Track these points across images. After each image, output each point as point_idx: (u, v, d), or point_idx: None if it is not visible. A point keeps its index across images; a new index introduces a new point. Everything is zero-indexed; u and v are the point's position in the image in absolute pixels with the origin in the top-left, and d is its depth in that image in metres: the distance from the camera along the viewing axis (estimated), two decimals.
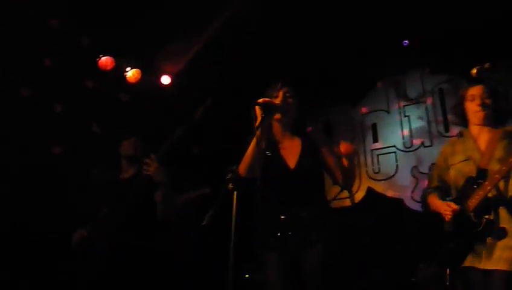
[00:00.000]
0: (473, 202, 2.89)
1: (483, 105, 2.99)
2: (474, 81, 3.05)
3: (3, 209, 4.39)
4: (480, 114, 3.02)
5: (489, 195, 2.85)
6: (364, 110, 6.64)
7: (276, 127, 3.07)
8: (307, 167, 2.93)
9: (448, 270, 3.00)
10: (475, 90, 3.05)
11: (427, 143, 6.12)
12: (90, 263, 3.58)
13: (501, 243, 2.77)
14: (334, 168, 2.98)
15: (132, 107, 5.83)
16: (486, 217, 2.83)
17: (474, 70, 2.78)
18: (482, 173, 2.92)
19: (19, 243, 4.41)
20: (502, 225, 2.80)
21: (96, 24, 5.27)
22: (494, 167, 2.87)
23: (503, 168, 2.76)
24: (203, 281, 5.57)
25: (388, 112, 6.48)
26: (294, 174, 2.92)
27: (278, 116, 2.97)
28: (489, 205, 2.85)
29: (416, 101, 6.31)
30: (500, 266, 2.70)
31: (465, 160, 3.02)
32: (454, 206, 2.97)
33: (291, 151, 2.99)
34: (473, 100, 3.04)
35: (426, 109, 6.22)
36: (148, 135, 3.98)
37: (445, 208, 3.00)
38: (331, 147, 3.04)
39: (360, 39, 5.84)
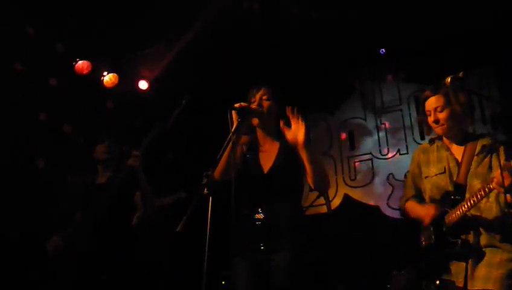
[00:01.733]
0: (450, 219, 2.81)
1: (436, 121, 2.93)
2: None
3: None
4: (438, 130, 2.97)
5: (468, 214, 2.75)
6: (340, 118, 6.69)
7: (259, 133, 3.04)
8: (280, 171, 2.88)
9: (437, 281, 2.92)
10: (429, 104, 2.98)
11: (403, 150, 6.18)
12: (64, 268, 3.52)
13: (485, 261, 2.68)
14: (307, 172, 2.86)
15: (107, 111, 5.76)
16: (463, 237, 2.75)
17: (448, 79, 2.75)
18: (459, 189, 2.84)
19: None
20: (483, 243, 2.72)
21: (74, 28, 5.21)
22: (472, 182, 2.81)
23: (485, 189, 2.62)
24: (178, 287, 5.52)
25: (365, 119, 6.54)
26: (266, 178, 2.88)
27: (255, 121, 2.93)
28: (467, 224, 2.76)
29: (393, 109, 6.38)
30: (491, 286, 2.61)
31: (441, 173, 2.94)
32: (433, 208, 2.89)
33: (268, 155, 2.95)
34: (430, 115, 2.98)
35: (402, 116, 6.29)
36: (121, 138, 3.93)
37: (426, 212, 2.93)
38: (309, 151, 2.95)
39: (338, 47, 5.88)
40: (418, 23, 5.45)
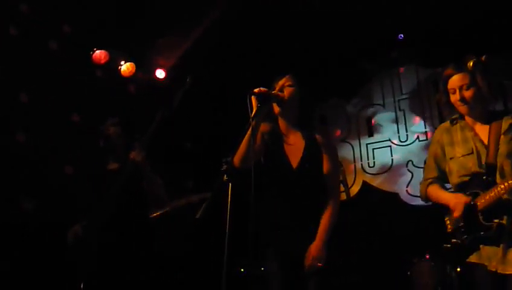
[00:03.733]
0: (483, 202, 2.69)
1: (462, 100, 2.81)
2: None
3: None
4: (463, 109, 2.86)
5: (504, 197, 2.62)
6: (359, 104, 6.65)
7: (281, 122, 3.00)
8: (309, 170, 2.88)
9: (458, 268, 2.84)
10: (454, 82, 2.85)
11: (422, 137, 6.11)
12: (83, 257, 3.55)
13: None
14: (327, 176, 2.92)
15: (115, 95, 5.76)
16: (497, 221, 2.63)
17: (471, 63, 2.70)
18: (490, 170, 2.72)
19: (8, 237, 4.36)
20: None
21: (92, 18, 5.23)
22: (503, 162, 2.72)
23: None
24: (198, 275, 5.56)
25: (383, 106, 6.47)
26: (296, 174, 2.86)
27: (277, 109, 2.91)
28: (502, 208, 2.64)
29: (411, 95, 6.31)
30: None
31: (468, 154, 2.81)
32: (465, 198, 2.75)
33: (295, 149, 2.92)
34: (454, 94, 2.86)
35: (421, 102, 6.21)
36: (128, 123, 3.91)
37: (456, 201, 2.78)
38: (332, 152, 3.00)
39: (356, 33, 5.83)
40: (437, 7, 5.37)
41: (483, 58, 2.68)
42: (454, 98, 2.86)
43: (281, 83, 2.90)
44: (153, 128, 3.57)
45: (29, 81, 4.85)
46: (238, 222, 2.53)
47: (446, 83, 2.91)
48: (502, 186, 2.62)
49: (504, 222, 2.63)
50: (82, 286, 3.43)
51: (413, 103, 6.28)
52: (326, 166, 2.92)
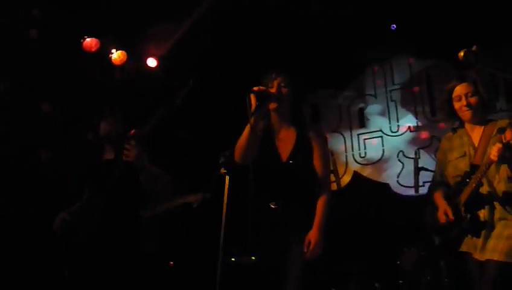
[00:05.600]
0: (463, 196, 2.98)
1: (469, 105, 3.06)
2: (461, 66, 3.03)
3: None
4: (468, 113, 3.09)
5: (483, 191, 2.94)
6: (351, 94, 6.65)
7: (274, 118, 3.07)
8: (298, 161, 2.95)
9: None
10: (460, 90, 3.11)
11: (413, 128, 6.14)
12: (73, 248, 3.53)
13: (495, 233, 2.84)
14: (318, 169, 2.98)
15: (112, 87, 5.74)
16: (476, 212, 2.93)
17: (462, 54, 2.78)
18: (474, 169, 2.97)
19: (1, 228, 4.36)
20: (497, 217, 2.88)
21: (82, 5, 5.17)
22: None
23: (485, 164, 2.83)
24: (191, 267, 5.57)
25: (375, 96, 6.49)
26: (285, 166, 2.94)
27: (273, 105, 2.96)
28: (480, 200, 2.93)
29: (403, 86, 6.32)
30: (496, 256, 2.77)
31: (461, 156, 3.10)
32: (450, 216, 3.01)
33: (285, 142, 3.00)
34: (459, 100, 3.11)
35: (413, 93, 6.23)
36: (126, 115, 3.90)
37: (442, 213, 3.06)
38: (322, 146, 3.05)
39: (348, 23, 5.81)
40: None
41: (474, 48, 2.75)
42: (460, 104, 3.11)
43: (275, 83, 2.96)
44: (152, 125, 3.54)
45: (17, 70, 4.81)
46: (231, 213, 2.57)
47: (451, 92, 3.17)
48: (474, 179, 2.91)
49: (484, 213, 2.92)
50: (66, 274, 3.43)
51: (405, 94, 6.30)
52: (317, 159, 2.98)
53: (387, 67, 6.47)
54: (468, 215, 2.94)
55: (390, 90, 6.39)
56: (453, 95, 3.15)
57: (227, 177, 2.57)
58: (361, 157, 6.42)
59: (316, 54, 6.29)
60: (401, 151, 6.13)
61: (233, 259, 5.22)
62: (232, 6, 5.33)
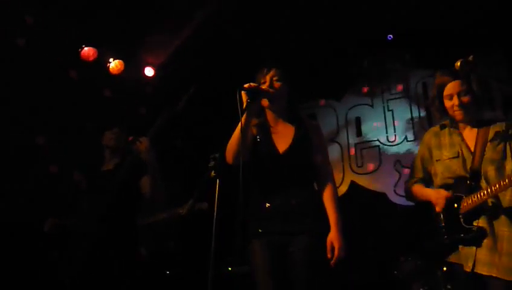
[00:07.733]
0: (465, 206, 2.80)
1: (461, 105, 2.89)
2: (457, 76, 2.95)
3: None
4: (460, 113, 2.91)
5: (488, 202, 2.74)
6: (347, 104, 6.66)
7: (269, 114, 2.96)
8: (298, 153, 2.83)
9: (444, 268, 2.92)
10: (452, 88, 2.92)
11: (410, 137, 6.15)
12: (70, 254, 3.53)
13: (506, 250, 2.66)
14: (319, 163, 2.89)
15: (115, 97, 5.76)
16: (476, 223, 2.75)
17: (458, 63, 2.74)
18: (474, 175, 2.82)
19: None
20: (501, 230, 2.71)
21: (79, 14, 5.18)
22: (486, 168, 2.80)
23: (504, 183, 2.61)
24: (185, 273, 5.54)
25: (372, 106, 6.50)
26: (283, 158, 2.82)
27: (266, 102, 2.86)
28: (482, 211, 2.75)
29: (400, 96, 6.34)
30: (501, 275, 2.62)
31: (454, 157, 2.91)
32: (446, 193, 2.86)
33: (283, 136, 2.89)
34: (451, 99, 2.93)
35: (410, 103, 6.25)
36: (131, 126, 3.91)
37: (437, 196, 2.91)
38: (321, 139, 3.00)
39: (346, 33, 5.84)
40: (427, 9, 5.40)
41: (470, 58, 2.72)
42: (451, 103, 2.93)
43: (268, 77, 2.86)
44: (155, 129, 3.56)
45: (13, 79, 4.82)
46: (225, 219, 2.53)
47: (442, 89, 2.98)
48: (486, 191, 2.70)
49: (483, 225, 2.74)
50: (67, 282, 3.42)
51: (401, 103, 6.31)
52: (317, 152, 2.89)
53: (384, 77, 6.48)
54: (467, 226, 2.76)
55: (387, 100, 6.41)
56: (445, 93, 2.96)
57: (217, 181, 2.43)
58: (358, 166, 6.41)
59: (313, 64, 6.31)
60: (398, 160, 6.13)
61: (229, 269, 5.19)
62: (229, 14, 5.35)
